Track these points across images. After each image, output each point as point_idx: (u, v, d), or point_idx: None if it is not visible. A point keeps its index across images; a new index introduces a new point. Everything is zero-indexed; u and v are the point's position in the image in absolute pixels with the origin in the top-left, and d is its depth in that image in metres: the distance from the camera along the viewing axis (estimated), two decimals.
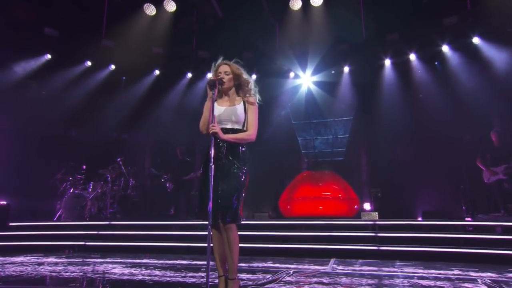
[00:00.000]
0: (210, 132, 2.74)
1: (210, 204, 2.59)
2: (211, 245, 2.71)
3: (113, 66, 9.43)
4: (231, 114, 2.86)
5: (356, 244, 5.21)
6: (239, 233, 5.76)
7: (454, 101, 7.81)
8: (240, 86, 2.99)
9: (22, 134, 8.17)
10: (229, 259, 2.72)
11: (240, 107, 2.90)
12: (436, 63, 8.67)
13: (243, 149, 2.91)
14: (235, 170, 2.80)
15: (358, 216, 7.08)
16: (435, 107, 8.05)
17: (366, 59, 9.00)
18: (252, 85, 3.01)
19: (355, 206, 7.49)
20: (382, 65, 9.03)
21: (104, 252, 5.66)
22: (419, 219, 7.22)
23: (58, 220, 7.32)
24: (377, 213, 6.80)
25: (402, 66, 8.84)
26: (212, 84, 2.83)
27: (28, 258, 5.04)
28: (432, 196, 8.01)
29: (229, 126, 2.86)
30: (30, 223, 6.63)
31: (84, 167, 8.17)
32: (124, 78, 9.90)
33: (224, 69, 2.96)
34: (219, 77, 2.92)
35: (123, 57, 8.98)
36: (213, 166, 2.64)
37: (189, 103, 9.54)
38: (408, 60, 8.77)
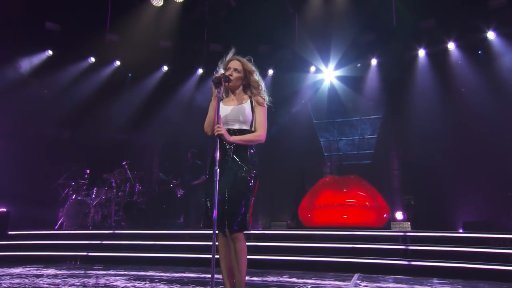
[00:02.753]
0: (215, 133, 2.77)
1: (215, 211, 2.61)
2: (217, 256, 2.73)
3: (118, 62, 9.63)
4: (238, 113, 2.89)
5: (384, 258, 5.13)
6: (254, 243, 5.79)
7: (501, 96, 7.58)
8: (248, 86, 3.03)
9: (22, 136, 8.43)
10: (236, 271, 2.73)
11: (247, 106, 2.94)
12: (479, 52, 8.42)
13: (252, 151, 2.94)
14: (243, 174, 2.83)
15: (388, 227, 6.97)
16: (478, 103, 7.82)
17: (397, 50, 8.86)
18: (262, 87, 3.04)
19: (384, 215, 7.38)
20: (416, 56, 8.87)
21: (107, 263, 5.78)
22: (460, 231, 7.02)
23: (60, 228, 7.52)
24: (409, 223, 6.66)
25: (439, 57, 8.65)
26: (217, 81, 2.86)
27: (27, 269, 5.20)
28: (476, 205, 7.78)
29: (236, 126, 2.90)
30: (30, 232, 6.84)
31: (88, 171, 8.36)
32: (130, 74, 10.09)
33: (235, 65, 2.99)
34: (226, 74, 2.95)
35: (129, 52, 9.18)
36: (218, 170, 2.67)
37: (200, 101, 9.64)
38: (446, 50, 8.56)
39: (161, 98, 10.05)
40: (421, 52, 8.80)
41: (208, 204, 2.84)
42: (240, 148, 2.88)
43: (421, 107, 8.51)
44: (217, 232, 2.75)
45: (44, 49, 8.88)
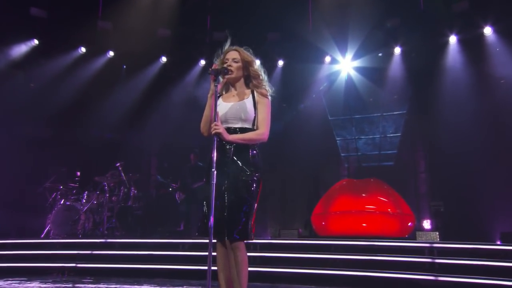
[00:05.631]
0: (212, 132, 2.81)
1: (212, 218, 2.63)
2: (215, 268, 2.74)
3: (111, 53, 9.69)
4: (240, 111, 2.93)
5: (407, 272, 5.09)
6: (261, 254, 5.81)
7: None
8: (249, 78, 3.07)
9: (4, 135, 8.52)
10: (236, 284, 2.76)
11: (249, 102, 2.97)
12: None
13: (254, 152, 2.97)
14: (244, 178, 2.86)
15: (412, 237, 6.92)
16: None
17: (425, 36, 8.78)
18: (263, 77, 3.09)
19: (409, 224, 7.34)
20: (446, 44, 8.78)
21: (98, 275, 5.82)
22: (497, 242, 6.93)
23: (46, 237, 7.59)
24: (437, 233, 6.61)
25: (473, 44, 8.53)
26: (215, 73, 2.88)
27: (8, 283, 5.24)
28: None
29: (238, 125, 2.94)
30: (12, 241, 6.90)
31: (78, 173, 8.44)
32: (125, 66, 10.17)
33: (233, 55, 3.03)
34: (225, 65, 2.98)
35: (124, 41, 9.21)
36: (215, 172, 2.70)
37: (203, 95, 9.62)
38: (482, 36, 8.43)
39: (160, 92, 10.13)
40: (453, 39, 8.70)
41: (205, 210, 2.88)
42: (241, 149, 2.91)
43: (452, 101, 8.42)
44: (215, 241, 2.77)
45: (30, 38, 8.92)
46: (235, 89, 3.07)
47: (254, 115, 2.96)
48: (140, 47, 9.26)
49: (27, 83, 9.17)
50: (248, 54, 3.07)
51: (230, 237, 2.76)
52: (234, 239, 2.75)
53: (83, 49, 9.41)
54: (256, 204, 2.89)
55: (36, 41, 9.00)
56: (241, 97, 3.00)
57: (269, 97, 3.03)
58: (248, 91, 3.04)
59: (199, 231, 2.92)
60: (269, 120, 2.97)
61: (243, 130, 2.93)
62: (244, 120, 2.93)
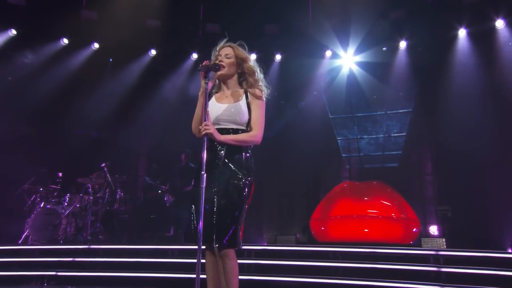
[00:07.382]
0: (203, 133, 2.82)
1: (201, 223, 2.64)
2: (204, 276, 2.74)
3: (96, 45, 9.64)
4: (235, 114, 2.96)
5: (411, 281, 5.11)
6: (256, 261, 5.82)
7: None
8: (243, 76, 3.10)
9: None
10: None
11: (243, 104, 3.00)
12: None
13: (247, 154, 3.00)
14: (235, 181, 2.88)
15: (417, 244, 6.99)
16: None
17: (432, 30, 8.81)
18: (259, 75, 3.12)
19: (414, 230, 7.39)
20: (455, 37, 8.82)
21: (80, 284, 5.81)
22: (508, 250, 6.97)
23: (24, 243, 7.55)
24: (444, 240, 6.67)
25: (484, 38, 8.58)
26: (206, 70, 2.89)
27: None
28: None
29: (232, 127, 2.96)
30: None
31: (60, 174, 8.40)
32: (111, 59, 10.14)
33: (226, 51, 3.07)
34: (217, 61, 3.01)
35: (110, 32, 9.16)
36: (205, 175, 2.70)
37: (195, 91, 9.64)
38: (493, 29, 8.48)
39: (149, 87, 10.12)
40: (462, 32, 8.73)
41: (193, 214, 2.89)
42: (234, 151, 2.94)
43: (460, 98, 8.44)
44: (204, 247, 2.78)
45: (6, 28, 8.83)
46: (228, 89, 3.10)
47: (248, 117, 2.98)
48: (128, 38, 9.21)
49: (4, 76, 9.11)
50: (242, 51, 3.10)
51: (219, 244, 2.78)
52: (223, 246, 2.77)
53: (65, 41, 9.34)
54: (246, 209, 2.92)
55: (14, 31, 8.91)
56: (236, 99, 3.02)
57: (264, 99, 3.05)
58: (241, 92, 3.06)
59: (187, 236, 2.93)
60: (263, 122, 3.00)
61: (236, 132, 2.95)
62: (239, 123, 2.96)
